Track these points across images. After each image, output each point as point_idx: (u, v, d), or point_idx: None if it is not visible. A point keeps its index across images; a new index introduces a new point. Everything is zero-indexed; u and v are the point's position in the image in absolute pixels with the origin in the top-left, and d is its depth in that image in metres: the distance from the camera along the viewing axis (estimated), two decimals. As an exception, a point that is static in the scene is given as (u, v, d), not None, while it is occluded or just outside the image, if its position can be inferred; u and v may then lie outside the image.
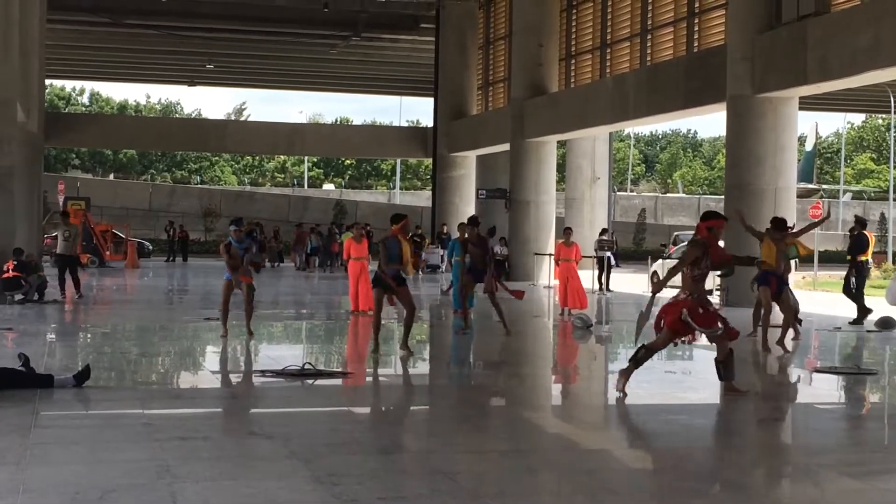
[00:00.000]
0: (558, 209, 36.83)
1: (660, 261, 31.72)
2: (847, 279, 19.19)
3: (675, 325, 10.13)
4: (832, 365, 13.39)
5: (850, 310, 19.42)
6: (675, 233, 48.95)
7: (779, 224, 15.17)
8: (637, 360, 10.43)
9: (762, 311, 14.99)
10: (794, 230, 16.35)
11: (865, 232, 19.12)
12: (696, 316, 10.08)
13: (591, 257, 28.36)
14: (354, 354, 14.45)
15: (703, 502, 6.74)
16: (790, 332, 15.43)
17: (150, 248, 46.59)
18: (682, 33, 28.22)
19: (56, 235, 24.55)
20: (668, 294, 10.75)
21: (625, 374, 10.43)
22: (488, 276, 16.79)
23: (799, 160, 53.24)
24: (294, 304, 23.93)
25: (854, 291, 18.99)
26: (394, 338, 16.79)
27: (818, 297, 27.61)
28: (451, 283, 20.79)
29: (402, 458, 7.58)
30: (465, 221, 18.20)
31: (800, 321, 16.33)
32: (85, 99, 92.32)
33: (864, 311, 18.78)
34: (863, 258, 19.03)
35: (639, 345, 10.59)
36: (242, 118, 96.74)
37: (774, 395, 11.82)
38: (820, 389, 11.76)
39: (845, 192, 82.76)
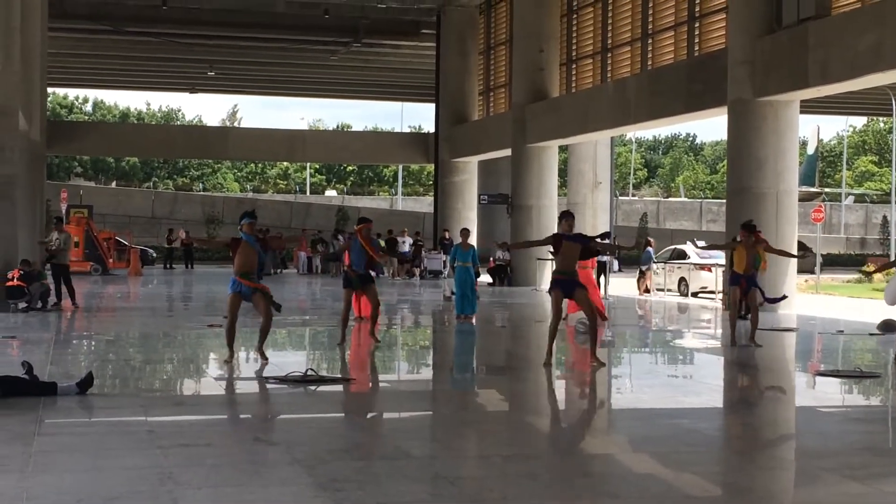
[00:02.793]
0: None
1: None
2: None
3: None
4: (835, 368, 13.39)
5: (851, 313, 19.39)
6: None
7: (748, 227, 16.24)
8: None
9: (731, 311, 16.41)
10: (773, 247, 17.94)
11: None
12: None
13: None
14: (357, 360, 14.45)
15: (706, 506, 6.74)
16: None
17: (154, 255, 46.61)
18: (682, 37, 28.23)
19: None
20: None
21: None
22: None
23: (800, 163, 53.27)
24: (298, 310, 23.91)
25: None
26: (397, 343, 16.82)
27: (821, 300, 27.60)
28: (453, 291, 20.79)
29: (404, 464, 7.58)
30: (467, 227, 17.99)
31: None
32: (88, 107, 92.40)
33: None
34: None
35: None
36: (236, 122, 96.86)
37: (777, 399, 11.82)
38: (823, 392, 11.75)
39: (847, 195, 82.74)
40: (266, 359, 12.84)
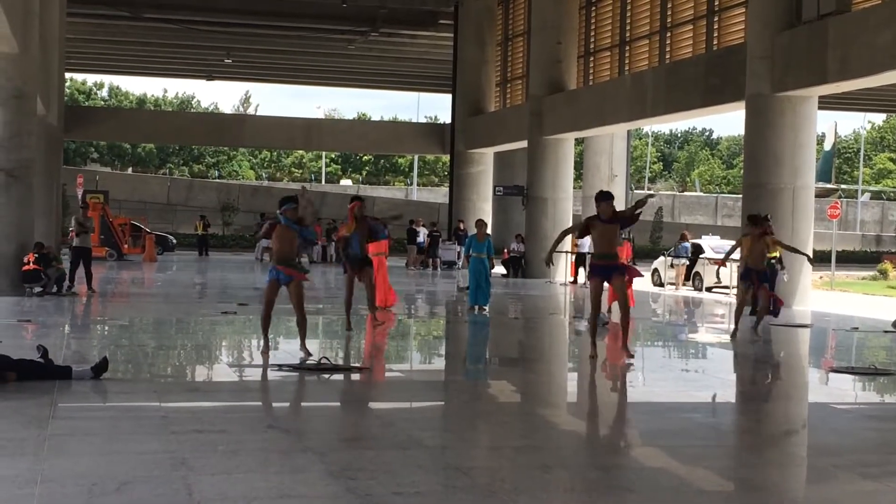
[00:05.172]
0: (575, 207, 36.81)
1: (661, 258, 31.85)
2: None
3: None
4: (849, 365, 13.35)
5: (866, 310, 19.30)
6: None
7: (755, 220, 16.29)
8: None
9: (737, 305, 16.76)
10: (787, 244, 17.80)
11: None
12: None
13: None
14: (370, 350, 14.47)
15: (718, 501, 6.73)
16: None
17: (174, 242, 46.51)
18: (701, 31, 28.13)
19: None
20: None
21: None
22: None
23: (817, 160, 53.03)
24: (312, 298, 23.93)
25: None
26: (411, 333, 16.84)
27: (835, 297, 27.51)
28: (460, 287, 20.82)
29: (416, 454, 7.59)
30: (482, 218, 17.86)
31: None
32: (104, 93, 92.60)
33: None
34: None
35: None
36: (250, 108, 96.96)
37: (790, 395, 11.79)
38: (837, 389, 11.72)
39: (864, 191, 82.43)
40: (310, 354, 12.30)
